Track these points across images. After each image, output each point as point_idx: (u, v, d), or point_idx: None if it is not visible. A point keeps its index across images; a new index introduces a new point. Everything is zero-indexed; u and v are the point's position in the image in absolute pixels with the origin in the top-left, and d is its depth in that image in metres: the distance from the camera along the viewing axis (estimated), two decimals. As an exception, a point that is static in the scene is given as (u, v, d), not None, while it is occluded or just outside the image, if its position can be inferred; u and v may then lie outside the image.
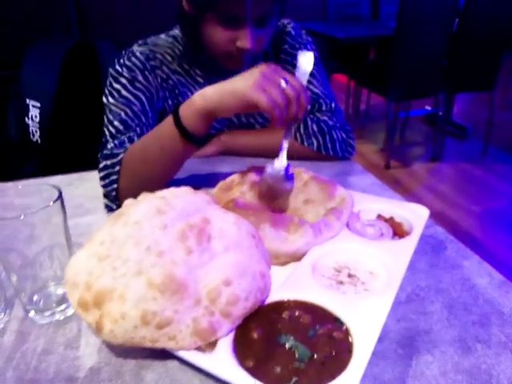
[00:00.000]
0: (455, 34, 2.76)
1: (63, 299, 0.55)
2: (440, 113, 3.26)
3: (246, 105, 0.66)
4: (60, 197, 0.53)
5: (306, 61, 0.73)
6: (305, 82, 0.71)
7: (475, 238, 2.21)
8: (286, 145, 0.70)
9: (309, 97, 0.70)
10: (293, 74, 0.98)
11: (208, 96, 0.69)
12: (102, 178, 0.80)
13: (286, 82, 0.66)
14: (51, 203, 0.51)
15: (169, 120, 0.73)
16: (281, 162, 0.70)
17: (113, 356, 0.49)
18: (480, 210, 2.46)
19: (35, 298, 0.55)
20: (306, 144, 0.97)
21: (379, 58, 3.63)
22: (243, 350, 0.45)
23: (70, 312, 0.56)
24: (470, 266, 0.64)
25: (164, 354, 0.47)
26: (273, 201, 0.70)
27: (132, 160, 0.79)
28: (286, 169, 0.70)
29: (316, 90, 0.99)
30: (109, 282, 0.45)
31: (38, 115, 1.24)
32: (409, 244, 0.60)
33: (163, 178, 0.78)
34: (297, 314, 0.49)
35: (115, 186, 0.79)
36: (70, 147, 1.28)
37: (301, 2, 3.62)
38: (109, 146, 0.83)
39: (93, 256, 0.47)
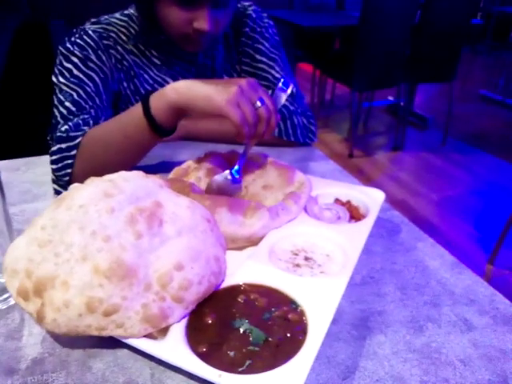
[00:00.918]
0: (417, 26, 2.81)
1: (5, 288, 0.52)
2: (402, 103, 3.33)
3: (216, 113, 0.64)
4: (-2, 180, 0.49)
5: (282, 86, 0.73)
6: (279, 106, 0.71)
7: (433, 224, 2.28)
8: (243, 160, 0.70)
9: (279, 119, 0.69)
10: (254, 58, 0.97)
11: (181, 91, 0.67)
12: (54, 162, 0.76)
13: (262, 102, 0.66)
14: (-13, 186, 0.47)
15: (137, 109, 0.70)
16: (236, 172, 0.69)
17: (58, 346, 0.47)
18: (439, 198, 2.55)
19: (-26, 287, 0.51)
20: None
21: (344, 48, 3.67)
22: (196, 335, 0.44)
23: (12, 301, 0.52)
24: (424, 249, 0.65)
25: (113, 343, 0.45)
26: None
27: (92, 145, 0.75)
28: (238, 172, 0.69)
29: (277, 75, 0.98)
30: (51, 269, 0.42)
31: (-18, 96, 1.17)
32: (364, 227, 0.61)
33: (124, 166, 0.75)
34: (252, 297, 0.48)
35: (69, 170, 0.75)
36: (18, 131, 1.22)
37: (267, -11, 3.58)
38: (62, 129, 0.79)
39: (33, 242, 0.44)
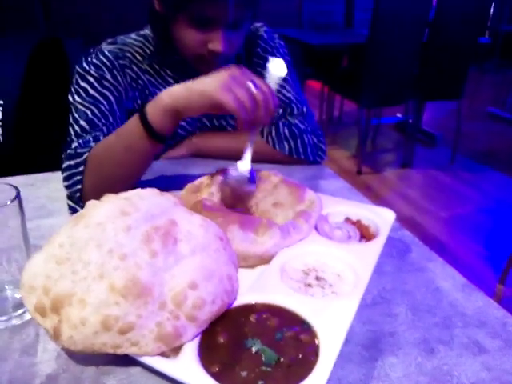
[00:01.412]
0: (425, 44, 2.84)
1: (21, 304, 0.53)
2: (410, 120, 3.34)
3: (212, 105, 0.65)
4: (18, 197, 0.51)
5: (276, 67, 0.73)
6: (274, 88, 0.71)
7: (442, 243, 2.26)
8: (250, 148, 0.71)
9: (277, 102, 0.69)
10: (264, 77, 0.99)
11: (175, 94, 0.68)
12: (65, 179, 0.78)
13: (255, 85, 0.66)
14: (8, 203, 0.49)
15: (134, 118, 0.72)
16: (245, 164, 0.70)
17: (72, 362, 0.48)
18: (447, 216, 2.53)
19: (-9, 302, 0.52)
20: (277, 148, 0.97)
21: (352, 65, 3.70)
22: (209, 354, 0.44)
23: (27, 317, 0.53)
24: (435, 269, 0.65)
25: (126, 360, 0.45)
26: (235, 202, 0.70)
27: (96, 159, 0.77)
28: (249, 172, 0.70)
29: (288, 95, 0.99)
30: (68, 286, 0.43)
31: (0, 113, 1.19)
32: (375, 247, 0.61)
33: (129, 179, 0.77)
34: (264, 316, 0.48)
35: (79, 186, 0.77)
36: (34, 147, 1.24)
37: (276, 8, 3.65)
38: (73, 146, 0.80)
39: (51, 259, 0.45)
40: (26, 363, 0.48)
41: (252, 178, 0.70)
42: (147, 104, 0.71)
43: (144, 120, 0.70)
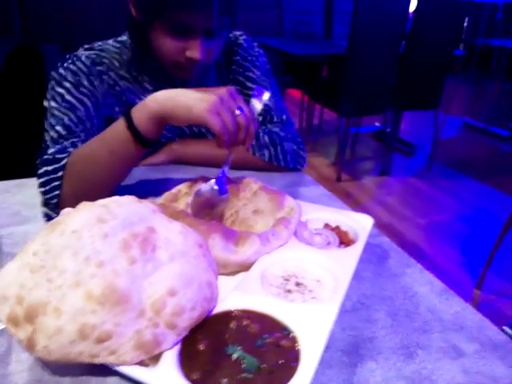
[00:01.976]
0: (402, 56, 2.91)
1: (-8, 314, 0.51)
2: (388, 129, 3.40)
3: (197, 122, 0.67)
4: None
5: (261, 96, 0.76)
6: (256, 114, 0.74)
7: (420, 249, 2.30)
8: (226, 168, 0.72)
9: (257, 127, 0.72)
10: (245, 86, 1.00)
11: (161, 101, 0.69)
12: (41, 185, 0.76)
13: (241, 110, 0.68)
14: (-21, 209, 0.47)
15: (119, 123, 0.71)
16: (216, 179, 0.71)
17: (46, 373, 0.46)
18: (425, 223, 2.58)
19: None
20: (257, 155, 0.97)
21: (331, 75, 3.76)
22: (189, 362, 0.43)
23: (0, 327, 0.51)
24: (413, 275, 0.66)
25: (103, 370, 0.44)
26: (206, 215, 0.69)
27: (78, 164, 0.76)
28: (219, 183, 0.70)
29: (268, 103, 1.00)
30: (43, 295, 0.42)
31: (-27, 119, 1.17)
32: (354, 252, 0.61)
33: (111, 183, 0.76)
34: (244, 323, 0.48)
35: (57, 192, 0.75)
36: (9, 153, 1.21)
37: (257, 17, 3.69)
38: (49, 151, 0.79)
39: (25, 267, 0.44)
40: (-2, 375, 0.46)
41: (222, 190, 0.70)
42: (132, 109, 0.71)
43: (130, 124, 0.70)
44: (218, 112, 0.65)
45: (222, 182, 0.70)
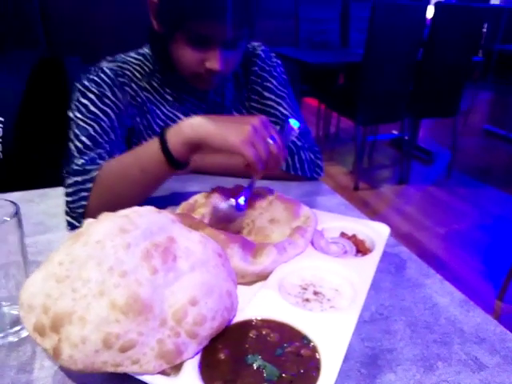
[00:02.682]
0: (420, 63, 2.89)
1: (17, 320, 0.53)
2: (406, 137, 3.37)
3: (232, 152, 0.68)
4: (17, 213, 0.51)
5: (292, 126, 0.78)
6: (287, 142, 0.76)
7: (440, 259, 2.26)
8: (249, 190, 0.72)
9: (286, 155, 0.75)
10: (263, 95, 1.01)
11: (197, 129, 0.70)
12: (69, 194, 0.78)
13: (273, 139, 0.70)
14: (7, 219, 0.49)
15: (153, 144, 0.73)
16: (241, 199, 0.71)
17: (69, 380, 0.47)
18: (444, 232, 2.54)
19: (-12, 319, 0.52)
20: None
21: (348, 83, 3.76)
22: (210, 371, 0.44)
23: (24, 334, 0.53)
24: (432, 285, 0.65)
25: (124, 378, 0.45)
26: (225, 225, 0.70)
27: (108, 179, 0.78)
28: (238, 202, 0.71)
29: (285, 112, 1.01)
30: (68, 305, 0.43)
31: (0, 130, 1.20)
32: (372, 260, 0.61)
33: (139, 199, 0.77)
34: (264, 332, 0.48)
35: (84, 203, 0.77)
36: (33, 164, 1.24)
37: (274, 27, 3.72)
38: (79, 162, 0.81)
39: (50, 277, 0.45)
40: (23, 380, 0.47)
41: (241, 207, 0.71)
42: (166, 131, 0.72)
43: (164, 148, 0.71)
44: (253, 142, 0.67)
45: (244, 199, 0.71)
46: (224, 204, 0.71)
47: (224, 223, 0.69)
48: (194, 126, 0.70)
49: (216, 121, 0.70)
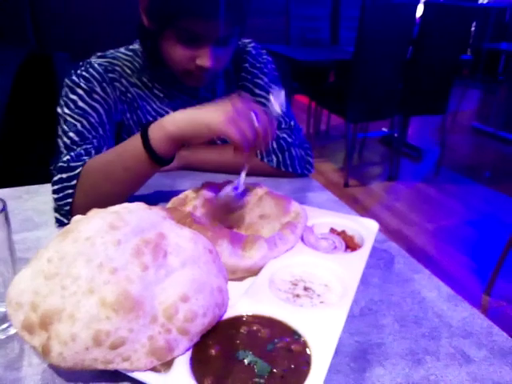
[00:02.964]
0: (409, 61, 2.91)
1: (5, 318, 0.52)
2: (396, 134, 3.39)
3: (217, 136, 0.68)
4: (4, 209, 0.50)
5: (277, 97, 0.77)
6: (276, 114, 0.74)
7: (428, 254, 2.29)
8: (243, 173, 0.72)
9: (275, 131, 0.72)
10: (253, 92, 1.01)
11: (179, 122, 0.69)
12: (55, 192, 0.78)
13: (256, 115, 0.68)
14: (-6, 216, 0.48)
15: (135, 141, 0.72)
16: (240, 186, 0.72)
17: (57, 377, 0.47)
18: (433, 228, 2.56)
19: (-25, 316, 0.52)
20: (265, 160, 0.98)
21: (339, 80, 3.77)
22: (201, 367, 0.44)
23: (12, 331, 0.52)
24: (421, 280, 0.66)
25: (114, 375, 0.45)
26: (226, 217, 0.70)
27: (92, 176, 0.77)
28: (235, 189, 0.72)
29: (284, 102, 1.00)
30: (57, 302, 0.43)
31: (-13, 126, 1.19)
32: (361, 256, 0.62)
33: (124, 195, 0.77)
34: (255, 328, 0.48)
35: (70, 200, 0.76)
36: (21, 160, 1.23)
37: (265, 25, 3.71)
38: (64, 159, 0.80)
39: (39, 274, 0.45)
40: (10, 378, 0.47)
41: (238, 195, 0.71)
42: (148, 128, 0.71)
43: (146, 144, 0.70)
44: (235, 121, 0.66)
45: (241, 184, 0.71)
46: (222, 194, 0.71)
47: (224, 214, 0.70)
48: (175, 121, 0.69)
49: (197, 111, 0.69)
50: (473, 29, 5.08)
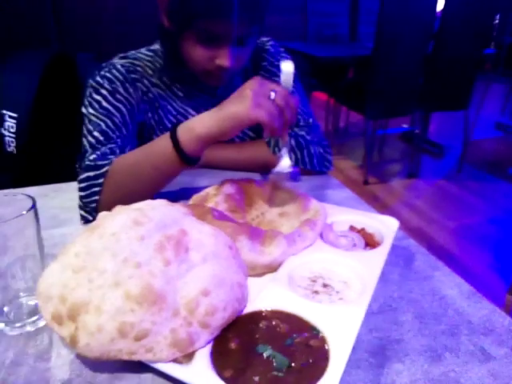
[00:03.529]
0: (430, 56, 2.86)
1: (35, 310, 0.54)
2: (416, 131, 3.35)
3: (246, 124, 0.69)
4: (33, 207, 0.53)
5: (287, 68, 0.77)
6: (290, 87, 0.75)
7: (450, 252, 2.25)
8: (285, 149, 0.75)
9: (297, 100, 0.74)
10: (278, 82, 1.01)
11: (208, 124, 0.71)
12: (82, 189, 0.80)
13: (275, 92, 0.70)
14: (24, 213, 0.51)
15: (164, 141, 0.74)
16: (285, 162, 0.74)
17: (85, 368, 0.49)
18: (455, 226, 2.52)
19: (6, 309, 0.54)
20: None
21: (357, 77, 3.73)
22: (221, 360, 0.45)
23: (41, 323, 0.55)
24: (441, 277, 0.65)
25: (138, 365, 0.46)
26: (274, 196, 0.74)
27: (120, 174, 0.79)
28: (291, 169, 0.74)
29: (293, 70, 1.01)
30: (84, 294, 0.45)
31: (14, 126, 1.23)
32: (380, 254, 0.62)
33: (150, 193, 0.79)
34: (274, 323, 0.49)
35: (96, 197, 0.79)
36: (47, 159, 1.27)
37: (282, 22, 3.71)
38: (91, 157, 0.83)
39: (67, 268, 0.47)
40: (41, 368, 0.49)
41: (293, 174, 0.74)
42: (177, 129, 0.73)
43: (176, 146, 0.72)
44: (259, 104, 0.67)
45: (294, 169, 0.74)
46: (275, 171, 0.73)
47: (274, 192, 0.73)
48: (203, 122, 0.71)
49: (220, 108, 0.71)
50: (496, 22, 4.95)
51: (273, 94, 0.70)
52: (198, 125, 0.72)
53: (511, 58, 4.80)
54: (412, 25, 2.66)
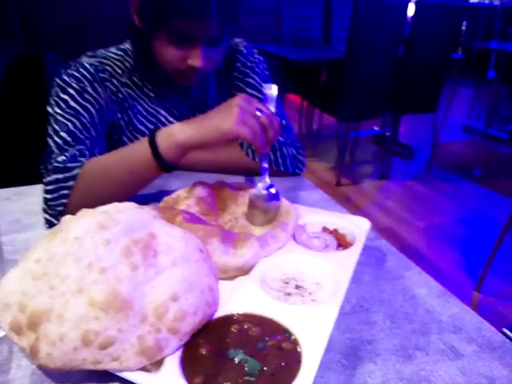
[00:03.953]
0: (400, 60, 2.92)
1: (-6, 321, 0.52)
2: (387, 133, 3.41)
3: (229, 140, 0.69)
4: (-7, 211, 0.50)
5: (271, 91, 0.81)
6: (273, 109, 0.77)
7: (420, 252, 2.30)
8: (266, 165, 0.75)
9: (279, 120, 0.76)
10: (245, 92, 1.01)
11: (189, 131, 0.71)
12: (49, 192, 0.77)
13: (260, 111, 0.71)
14: (-17, 217, 0.48)
15: (141, 146, 0.73)
16: (264, 182, 0.74)
17: (47, 379, 0.47)
18: (425, 226, 2.58)
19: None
20: (257, 160, 0.97)
21: (330, 80, 3.78)
22: (191, 366, 0.44)
23: (0, 334, 0.52)
24: (411, 277, 0.66)
25: (104, 375, 0.45)
26: (258, 218, 0.72)
27: (91, 177, 0.77)
28: (269, 188, 0.73)
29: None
30: (45, 302, 0.43)
31: (-25, 127, 1.18)
32: (353, 254, 0.62)
33: (123, 197, 0.76)
34: (246, 327, 0.48)
35: (65, 200, 0.76)
36: (10, 161, 1.22)
37: (256, 24, 3.71)
38: (59, 159, 0.79)
39: (27, 275, 0.45)
40: (0, 381, 0.46)
41: (272, 195, 0.72)
42: (155, 135, 0.72)
43: (155, 152, 0.71)
44: (244, 121, 0.68)
45: (271, 187, 0.73)
46: (256, 194, 0.72)
47: (255, 215, 0.71)
48: (184, 130, 0.71)
49: (204, 118, 0.71)
50: (463, 28, 5.12)
51: (259, 113, 0.71)
52: (178, 132, 0.71)
53: (480, 63, 4.96)
54: (383, 29, 2.72)
